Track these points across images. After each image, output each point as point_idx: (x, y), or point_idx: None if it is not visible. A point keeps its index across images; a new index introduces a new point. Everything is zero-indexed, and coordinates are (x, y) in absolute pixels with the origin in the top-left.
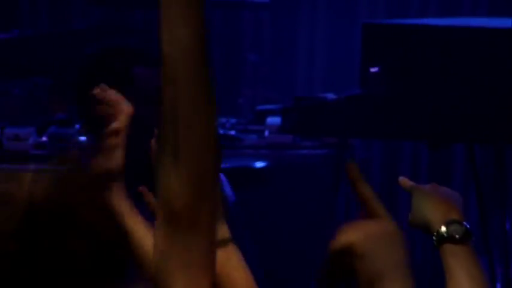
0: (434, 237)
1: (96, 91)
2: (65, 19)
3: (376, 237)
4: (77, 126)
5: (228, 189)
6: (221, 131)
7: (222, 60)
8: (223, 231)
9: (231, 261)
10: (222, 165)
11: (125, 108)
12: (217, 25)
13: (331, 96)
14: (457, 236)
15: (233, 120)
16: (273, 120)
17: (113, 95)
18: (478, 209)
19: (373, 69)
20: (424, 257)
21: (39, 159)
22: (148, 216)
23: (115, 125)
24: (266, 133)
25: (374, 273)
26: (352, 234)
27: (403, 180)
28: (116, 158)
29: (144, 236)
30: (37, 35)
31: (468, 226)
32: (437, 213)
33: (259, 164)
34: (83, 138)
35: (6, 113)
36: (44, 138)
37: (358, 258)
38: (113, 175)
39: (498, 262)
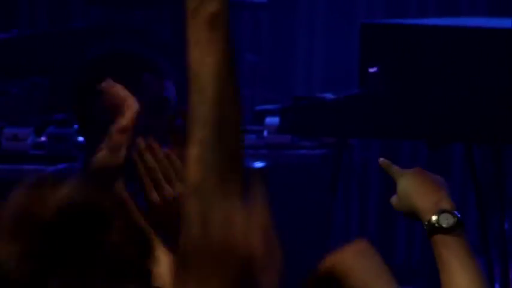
0: (425, 227)
1: (105, 84)
2: (64, 19)
3: (351, 255)
4: (76, 126)
5: None
6: None
7: None
8: None
9: None
10: None
11: (132, 105)
12: None
13: (329, 96)
14: (448, 226)
15: None
16: (272, 120)
17: (120, 90)
18: (476, 208)
19: (371, 69)
20: (423, 255)
21: (38, 159)
22: None
23: (123, 122)
24: (265, 133)
25: (361, 286)
26: (331, 260)
27: (384, 162)
28: (119, 157)
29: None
30: (36, 34)
31: (459, 215)
32: (428, 202)
33: (258, 164)
34: (81, 138)
35: (4, 113)
36: (43, 138)
37: (342, 278)
38: (113, 173)
39: (497, 262)
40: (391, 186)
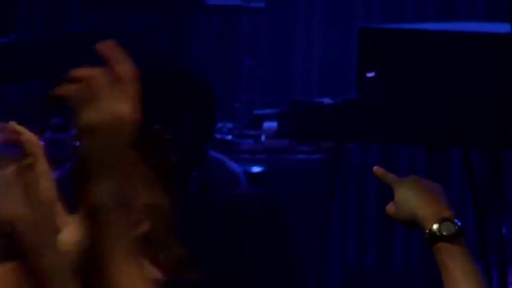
0: (426, 236)
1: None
2: (62, 23)
3: None
4: (73, 131)
5: None
6: (218, 136)
7: (218, 64)
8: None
9: None
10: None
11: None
12: (213, 30)
13: (327, 100)
14: (449, 234)
15: (229, 125)
16: (270, 124)
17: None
18: (474, 213)
19: (369, 74)
20: (421, 259)
21: None
22: None
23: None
24: (263, 138)
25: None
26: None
27: (379, 170)
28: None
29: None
30: (34, 39)
31: (460, 224)
32: (429, 210)
33: (256, 169)
34: (78, 143)
35: (2, 118)
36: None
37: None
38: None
39: (495, 266)
40: (389, 191)
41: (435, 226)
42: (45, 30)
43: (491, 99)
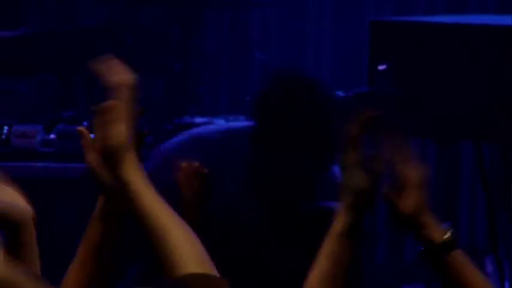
0: (444, 244)
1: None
2: (73, 16)
3: None
4: (85, 123)
5: None
6: None
7: (229, 58)
8: None
9: None
10: None
11: (124, 79)
12: (224, 23)
13: (339, 93)
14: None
15: (241, 118)
16: None
17: (114, 64)
18: (485, 206)
19: (381, 67)
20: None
21: (47, 156)
22: None
23: (112, 101)
24: None
25: None
26: None
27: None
28: (119, 133)
29: (168, 224)
30: (44, 32)
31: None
32: (429, 214)
33: None
34: (92, 135)
35: (13, 111)
36: (52, 136)
37: None
38: (118, 150)
39: (506, 259)
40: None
41: (448, 234)
42: (56, 23)
43: (504, 93)
